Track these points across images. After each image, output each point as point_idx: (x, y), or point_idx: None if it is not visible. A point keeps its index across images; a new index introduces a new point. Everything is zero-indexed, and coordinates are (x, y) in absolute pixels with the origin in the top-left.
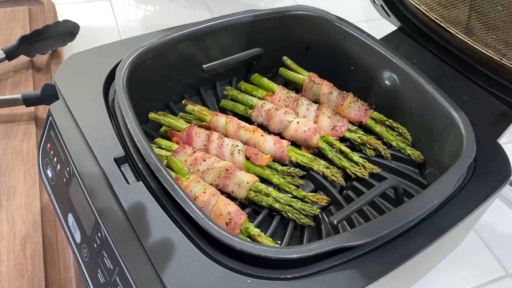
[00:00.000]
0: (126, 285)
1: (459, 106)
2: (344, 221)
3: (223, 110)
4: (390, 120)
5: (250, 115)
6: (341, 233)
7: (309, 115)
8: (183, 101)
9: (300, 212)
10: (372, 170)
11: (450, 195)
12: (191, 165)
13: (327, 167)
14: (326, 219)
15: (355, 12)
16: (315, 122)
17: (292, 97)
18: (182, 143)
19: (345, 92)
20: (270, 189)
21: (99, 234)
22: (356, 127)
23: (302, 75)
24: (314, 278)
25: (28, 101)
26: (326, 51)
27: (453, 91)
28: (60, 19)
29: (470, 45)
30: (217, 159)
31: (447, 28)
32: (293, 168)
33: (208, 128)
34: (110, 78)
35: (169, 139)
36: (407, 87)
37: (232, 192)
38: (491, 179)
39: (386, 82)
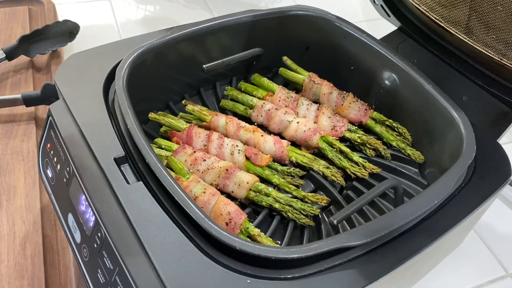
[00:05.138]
0: (126, 285)
1: (459, 106)
2: (344, 221)
3: (223, 110)
4: (390, 120)
5: (250, 115)
6: (341, 233)
7: (309, 115)
8: (183, 101)
9: (300, 212)
10: (372, 170)
11: (450, 195)
12: (191, 165)
13: (327, 167)
14: (326, 219)
15: (355, 12)
16: (315, 122)
17: (292, 97)
18: (182, 143)
19: (345, 92)
20: (270, 189)
21: (99, 234)
22: (356, 127)
23: (302, 75)
24: (314, 278)
25: (28, 101)
26: (326, 51)
27: (453, 91)
28: (60, 19)
29: (470, 45)
30: (217, 159)
31: (447, 28)
32: (293, 168)
33: (208, 128)
34: (110, 78)
35: (169, 139)
36: (407, 87)
37: (232, 192)
38: (491, 179)
39: (386, 82)
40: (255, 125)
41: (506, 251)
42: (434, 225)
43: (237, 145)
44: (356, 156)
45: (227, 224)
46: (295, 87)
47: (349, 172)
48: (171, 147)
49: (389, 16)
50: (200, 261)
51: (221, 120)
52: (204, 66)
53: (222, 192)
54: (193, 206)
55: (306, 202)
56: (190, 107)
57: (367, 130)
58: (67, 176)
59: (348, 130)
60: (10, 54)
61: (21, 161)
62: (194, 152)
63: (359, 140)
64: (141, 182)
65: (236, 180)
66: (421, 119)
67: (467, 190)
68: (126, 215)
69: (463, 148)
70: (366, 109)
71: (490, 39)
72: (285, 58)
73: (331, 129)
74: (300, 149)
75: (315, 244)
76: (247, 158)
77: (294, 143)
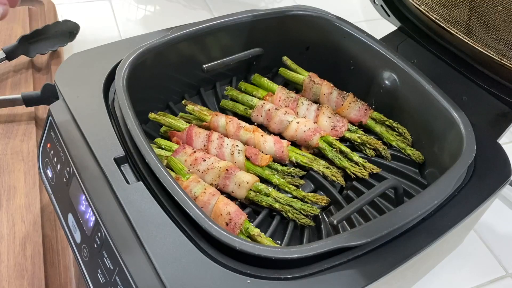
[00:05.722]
0: (126, 285)
1: (459, 106)
2: (344, 221)
3: (223, 110)
4: (390, 120)
5: (250, 115)
6: (341, 233)
7: (309, 115)
8: (183, 101)
9: (300, 212)
10: (372, 170)
11: (450, 195)
12: (191, 165)
13: (327, 167)
14: (326, 219)
15: (355, 12)
16: (315, 122)
17: (292, 97)
18: (182, 143)
19: (345, 92)
20: (270, 189)
21: (99, 234)
22: (356, 127)
23: (302, 75)
24: (314, 278)
25: (28, 101)
26: (326, 51)
27: (453, 91)
28: (60, 19)
29: (470, 45)
30: (217, 159)
31: (447, 28)
32: (293, 168)
33: (208, 128)
34: (110, 78)
35: (169, 139)
36: (407, 87)
37: (232, 192)
38: (491, 179)
39: (386, 82)
40: (255, 125)
41: (506, 251)
42: (434, 225)
43: (237, 145)
44: (356, 156)
45: (227, 224)
46: (295, 87)
47: (349, 172)
48: (171, 147)
49: (389, 16)
50: (200, 261)
51: (221, 120)
52: (204, 66)
53: (222, 192)
54: (193, 206)
55: (306, 202)
56: (190, 107)
57: (367, 130)
58: (67, 176)
59: (348, 130)
60: (10, 54)
61: (21, 161)
62: (194, 152)
63: (359, 140)
64: (141, 182)
65: (236, 180)
66: (421, 119)
67: (467, 190)
68: (126, 215)
69: (463, 148)
70: (366, 109)
71: (490, 39)
72: (285, 58)
73: (331, 129)
74: (300, 149)
75: (315, 244)
76: (247, 158)
77: (294, 143)
